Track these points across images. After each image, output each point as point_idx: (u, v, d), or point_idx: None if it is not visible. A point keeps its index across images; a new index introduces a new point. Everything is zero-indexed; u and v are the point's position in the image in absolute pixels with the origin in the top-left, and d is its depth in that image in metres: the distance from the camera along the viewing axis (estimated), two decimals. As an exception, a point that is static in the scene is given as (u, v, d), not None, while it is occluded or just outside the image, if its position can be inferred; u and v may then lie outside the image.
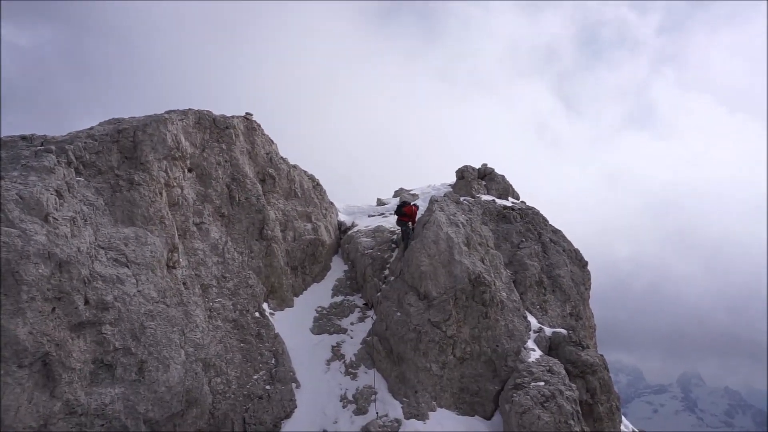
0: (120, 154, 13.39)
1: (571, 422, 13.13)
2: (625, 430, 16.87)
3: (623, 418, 16.92)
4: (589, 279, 20.84)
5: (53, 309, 10.08)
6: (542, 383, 13.88)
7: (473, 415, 14.40)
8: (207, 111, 16.86)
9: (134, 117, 14.65)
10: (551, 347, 16.20)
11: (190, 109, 16.27)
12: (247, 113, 18.72)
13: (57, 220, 10.71)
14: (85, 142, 12.92)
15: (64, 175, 11.63)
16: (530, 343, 15.77)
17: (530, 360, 14.96)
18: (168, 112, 15.29)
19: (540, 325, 16.89)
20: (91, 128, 13.83)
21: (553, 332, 16.61)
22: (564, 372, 14.63)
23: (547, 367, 14.55)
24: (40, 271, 9.94)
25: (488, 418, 14.38)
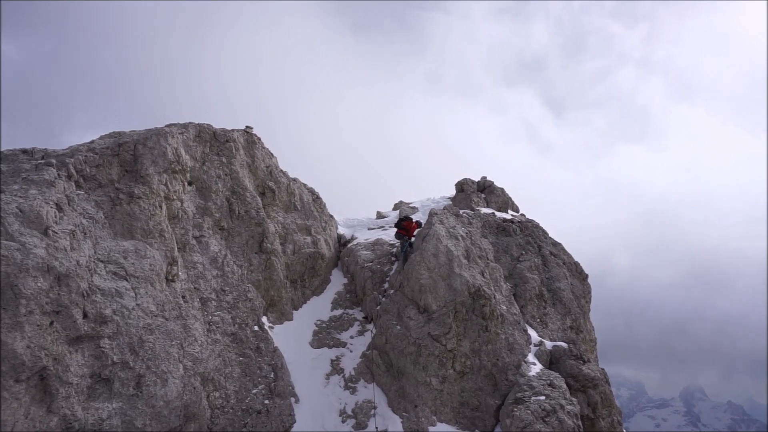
0: (120, 168, 13.43)
1: (573, 437, 13.02)
2: (627, 444, 16.74)
3: (625, 432, 16.78)
4: (590, 292, 20.79)
5: (51, 323, 10.05)
6: (543, 397, 13.79)
7: (473, 430, 14.28)
8: (207, 124, 16.94)
9: (134, 130, 14.71)
10: (552, 361, 16.10)
11: (190, 123, 16.36)
12: (247, 127, 18.81)
13: (56, 233, 10.72)
14: (85, 156, 12.97)
15: (64, 188, 11.66)
16: (531, 357, 15.68)
17: (531, 374, 14.87)
18: (168, 126, 15.37)
19: (540, 338, 16.81)
20: (92, 142, 13.89)
21: (554, 346, 16.52)
22: (565, 386, 14.54)
23: (548, 381, 14.46)
24: (39, 284, 9.92)
25: (489, 432, 14.27)
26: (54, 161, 12.11)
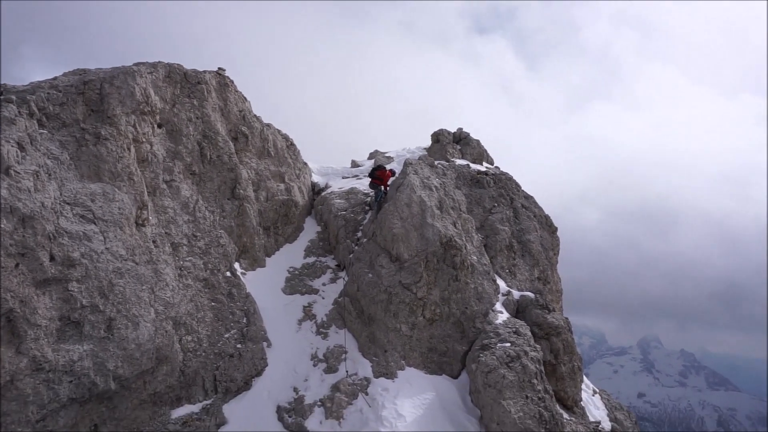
0: (86, 107, 12.90)
1: (534, 381, 13.62)
2: (586, 389, 17.61)
3: (585, 377, 17.63)
4: (558, 244, 21.30)
5: (17, 265, 9.86)
6: (508, 344, 14.30)
7: (441, 374, 14.80)
8: (177, 65, 16.28)
9: (100, 68, 14.08)
10: (519, 310, 16.63)
11: (159, 62, 15.70)
12: (219, 68, 18.16)
13: (19, 173, 10.35)
14: (48, 93, 12.39)
15: (26, 126, 11.19)
16: (498, 306, 16.15)
17: (498, 322, 15.35)
18: (136, 65, 14.73)
19: (509, 288, 17.28)
20: (55, 78, 13.26)
21: (521, 295, 17.02)
22: (530, 334, 15.08)
23: (514, 329, 14.97)
24: (2, 226, 9.66)
25: (455, 377, 14.80)
26: (14, 98, 11.56)
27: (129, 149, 13.31)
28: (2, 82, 12.46)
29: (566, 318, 16.86)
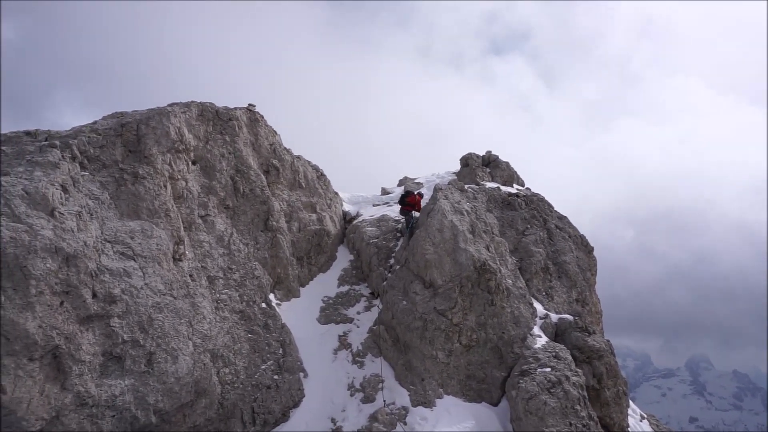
0: (124, 148, 13.42)
1: (578, 407, 13.19)
2: (633, 414, 16.93)
3: (631, 402, 16.96)
4: (595, 265, 20.82)
5: (62, 303, 10.19)
6: (548, 369, 13.93)
7: (480, 402, 14.49)
8: (210, 103, 16.85)
9: (137, 110, 14.67)
10: (557, 333, 16.22)
11: (192, 102, 16.27)
12: (249, 104, 18.69)
13: (63, 214, 10.79)
14: (88, 137, 12.96)
15: (68, 169, 11.69)
16: (536, 330, 15.81)
17: (536, 346, 15.00)
18: (171, 105, 15.31)
19: (546, 311, 16.91)
20: (95, 122, 13.87)
21: (560, 318, 16.63)
22: (570, 358, 14.67)
23: (554, 353, 14.59)
24: (48, 265, 10.03)
25: (495, 404, 14.47)
26: (57, 143, 12.11)
27: (165, 187, 13.74)
28: (47, 129, 13.11)
29: (608, 340, 16.35)
